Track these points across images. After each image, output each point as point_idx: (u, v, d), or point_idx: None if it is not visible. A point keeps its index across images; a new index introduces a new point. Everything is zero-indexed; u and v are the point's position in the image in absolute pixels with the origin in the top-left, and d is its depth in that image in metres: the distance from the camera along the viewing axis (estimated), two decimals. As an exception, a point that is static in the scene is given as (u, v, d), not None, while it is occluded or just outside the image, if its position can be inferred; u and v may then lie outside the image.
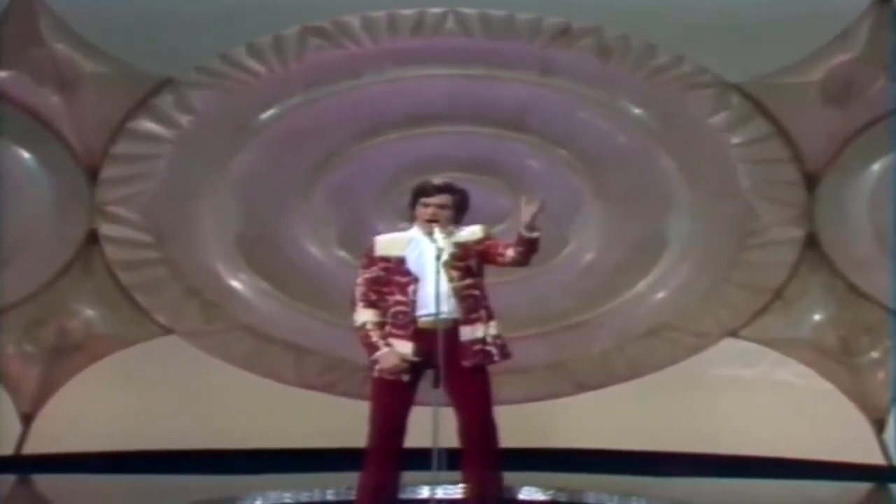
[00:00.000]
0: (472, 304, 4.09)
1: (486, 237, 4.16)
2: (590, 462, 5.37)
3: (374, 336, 4.07)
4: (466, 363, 4.03)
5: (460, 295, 4.05)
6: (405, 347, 4.04)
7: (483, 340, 4.08)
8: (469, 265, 4.11)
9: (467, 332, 4.06)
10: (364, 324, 4.11)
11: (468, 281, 4.08)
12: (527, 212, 3.93)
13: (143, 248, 5.58)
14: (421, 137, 5.56)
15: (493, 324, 4.11)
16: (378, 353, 4.05)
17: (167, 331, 5.59)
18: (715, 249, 5.58)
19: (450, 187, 4.17)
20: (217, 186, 5.58)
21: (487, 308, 4.13)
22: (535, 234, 3.96)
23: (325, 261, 5.65)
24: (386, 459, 4.10)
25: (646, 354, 5.59)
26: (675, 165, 5.54)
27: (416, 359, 4.07)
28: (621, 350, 5.62)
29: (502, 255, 4.05)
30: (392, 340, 4.06)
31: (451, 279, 4.01)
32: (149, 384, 5.50)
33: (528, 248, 4.00)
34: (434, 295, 3.99)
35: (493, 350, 4.09)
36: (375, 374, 4.07)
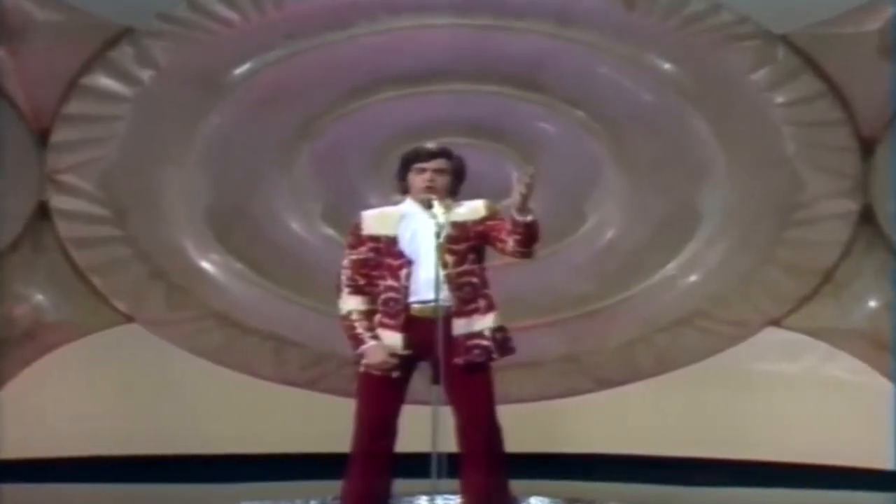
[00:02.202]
0: (470, 293, 4.02)
1: (491, 215, 4.07)
2: (609, 469, 5.38)
3: (360, 327, 4.01)
4: (459, 361, 3.97)
5: (455, 283, 3.98)
6: (395, 339, 4.00)
7: (480, 334, 4.02)
8: (467, 248, 4.04)
9: (462, 326, 4.00)
10: (349, 313, 4.05)
11: (465, 267, 4.02)
12: (515, 190, 3.84)
13: (101, 223, 5.56)
14: (418, 97, 5.54)
15: (492, 315, 4.05)
16: (363, 347, 3.99)
17: (128, 318, 5.59)
18: (755, 226, 5.56)
19: (445, 151, 4.11)
20: (184, 153, 5.56)
21: (487, 297, 4.06)
22: (529, 218, 3.86)
23: (308, 238, 5.64)
24: (373, 463, 4.06)
25: (675, 346, 5.58)
26: (710, 129, 5.52)
27: (406, 352, 4.01)
28: (647, 341, 5.61)
29: (504, 242, 3.99)
30: (381, 331, 4.02)
31: (444, 265, 3.95)
32: (106, 380, 5.50)
33: (525, 235, 3.91)
34: (433, 279, 3.92)
35: (492, 346, 4.03)
36: (361, 369, 4.02)
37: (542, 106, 5.57)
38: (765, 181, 5.49)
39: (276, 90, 5.51)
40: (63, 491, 5.24)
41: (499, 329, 4.05)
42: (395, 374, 3.99)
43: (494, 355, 4.03)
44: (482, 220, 4.05)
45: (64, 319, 5.56)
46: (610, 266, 5.65)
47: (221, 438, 5.45)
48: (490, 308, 4.04)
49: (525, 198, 3.81)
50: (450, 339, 3.95)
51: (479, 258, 4.08)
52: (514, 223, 3.89)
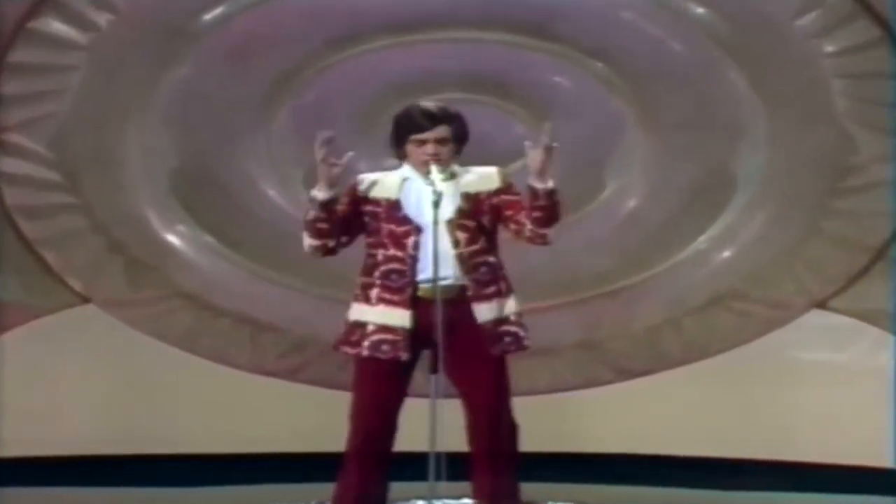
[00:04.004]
0: (487, 274, 3.99)
1: (506, 186, 4.03)
2: (633, 470, 5.38)
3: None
4: (495, 351, 3.97)
5: (469, 264, 3.96)
6: (400, 317, 3.94)
7: (508, 320, 4.00)
8: (481, 223, 4.02)
9: (487, 311, 3.97)
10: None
11: (479, 245, 3.99)
12: (534, 157, 3.84)
13: (52, 189, 5.50)
14: (413, 47, 5.47)
15: (513, 299, 4.04)
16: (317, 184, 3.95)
17: (84, 299, 5.55)
18: (798, 194, 5.50)
19: (446, 115, 4.04)
20: (146, 109, 5.50)
21: (506, 279, 4.05)
22: (550, 184, 3.83)
23: (287, 209, 5.52)
24: (370, 465, 4.04)
25: (706, 331, 5.55)
26: (748, 83, 5.43)
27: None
28: (675, 325, 5.57)
29: (520, 224, 3.97)
30: (381, 308, 3.96)
31: (455, 243, 3.94)
32: (58, 369, 5.48)
33: (547, 211, 3.88)
34: (431, 253, 3.89)
35: (521, 332, 4.03)
36: (364, 352, 3.95)
37: (557, 57, 5.50)
38: (810, 142, 5.43)
39: (250, 38, 5.45)
40: (7, 495, 5.21)
41: (520, 314, 4.05)
42: (403, 357, 3.93)
43: (526, 342, 4.03)
44: (496, 192, 4.02)
45: (10, 300, 5.52)
46: (632, 240, 5.61)
47: (190, 436, 5.45)
48: (509, 290, 4.03)
49: (545, 160, 3.79)
50: (464, 324, 3.92)
51: (494, 234, 4.05)
52: (533, 194, 3.86)
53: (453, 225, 3.92)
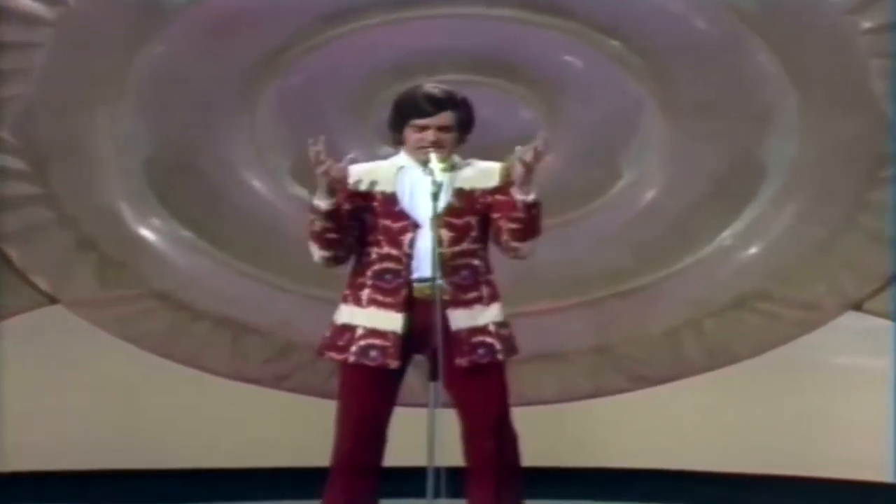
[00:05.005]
0: (469, 278, 3.95)
1: (506, 185, 3.97)
2: (648, 487, 5.37)
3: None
4: (462, 362, 3.93)
5: (449, 265, 3.90)
6: (394, 321, 3.93)
7: (485, 330, 3.96)
8: (470, 223, 3.99)
9: (461, 318, 3.93)
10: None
11: (464, 246, 3.95)
12: (518, 164, 3.81)
13: (16, 179, 5.45)
14: (412, 24, 5.43)
15: (497, 307, 4.00)
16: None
17: (51, 299, 5.50)
18: (833, 184, 5.44)
19: (452, 100, 3.99)
20: (119, 92, 5.44)
21: (490, 284, 4.01)
22: (530, 197, 3.82)
23: (272, 200, 5.54)
24: (357, 480, 4.01)
25: (731, 335, 5.51)
26: (778, 63, 5.37)
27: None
28: (696, 328, 5.53)
29: (499, 231, 3.97)
30: (373, 311, 3.95)
31: (439, 242, 3.87)
32: (23, 375, 5.41)
33: (523, 222, 3.89)
34: (430, 251, 3.85)
35: (498, 344, 3.97)
36: (351, 359, 3.93)
37: (568, 34, 5.44)
38: (845, 128, 5.36)
39: (232, 14, 5.40)
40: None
41: (504, 324, 4.01)
42: (392, 365, 3.92)
43: (500, 356, 3.98)
44: (493, 191, 3.98)
45: (-29, 301, 5.49)
46: (649, 234, 5.57)
47: (164, 450, 5.42)
48: (494, 298, 4.00)
49: (529, 170, 3.77)
50: (448, 332, 3.92)
51: (483, 235, 4.01)
52: (513, 205, 3.89)
53: (440, 222, 3.88)
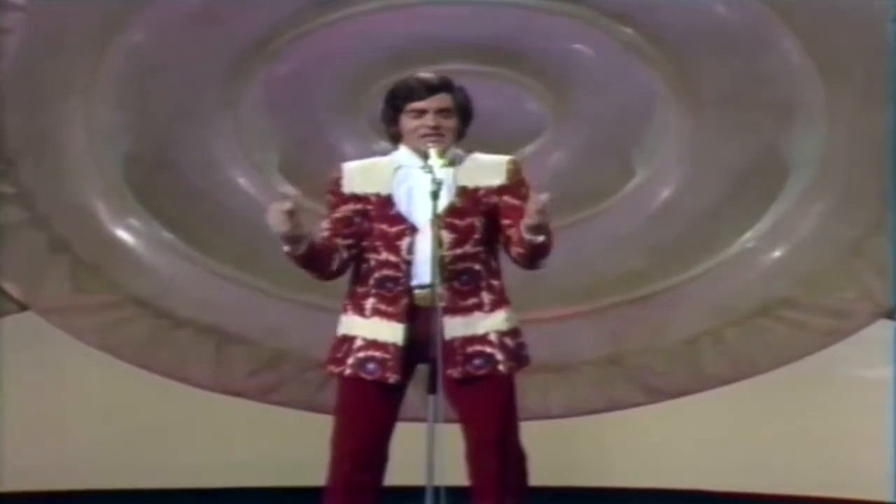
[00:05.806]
0: (469, 283, 3.87)
1: (513, 183, 3.94)
2: None
3: None
4: (454, 373, 3.86)
5: (449, 269, 3.83)
6: (395, 332, 3.88)
7: (483, 339, 3.88)
8: (473, 224, 3.91)
9: (457, 327, 3.86)
10: None
11: (466, 249, 3.88)
12: (532, 204, 3.75)
13: None
14: (410, 10, 5.44)
15: (502, 314, 3.91)
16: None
17: (21, 306, 5.50)
18: (861, 182, 5.39)
19: (447, 83, 3.93)
20: (94, 81, 5.44)
21: (494, 290, 3.93)
22: (540, 239, 3.78)
23: (259, 199, 5.36)
24: (356, 501, 3.94)
25: (753, 345, 5.47)
26: (804, 50, 5.35)
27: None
28: (716, 338, 5.50)
29: (508, 240, 3.93)
30: (376, 321, 3.90)
31: (439, 244, 3.83)
32: None
33: (531, 253, 3.85)
34: (430, 254, 3.80)
35: (498, 354, 3.89)
36: (347, 371, 3.88)
37: (578, 21, 5.44)
38: (875, 122, 5.32)
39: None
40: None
41: (510, 333, 3.92)
42: (391, 379, 3.86)
43: (501, 367, 3.90)
44: (499, 190, 3.91)
45: (-63, 307, 5.46)
46: (666, 236, 5.56)
47: (143, 467, 5.42)
48: (498, 304, 3.92)
49: (543, 213, 3.73)
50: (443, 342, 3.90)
51: (489, 237, 3.93)
52: (520, 237, 3.84)
53: (440, 222, 3.83)
